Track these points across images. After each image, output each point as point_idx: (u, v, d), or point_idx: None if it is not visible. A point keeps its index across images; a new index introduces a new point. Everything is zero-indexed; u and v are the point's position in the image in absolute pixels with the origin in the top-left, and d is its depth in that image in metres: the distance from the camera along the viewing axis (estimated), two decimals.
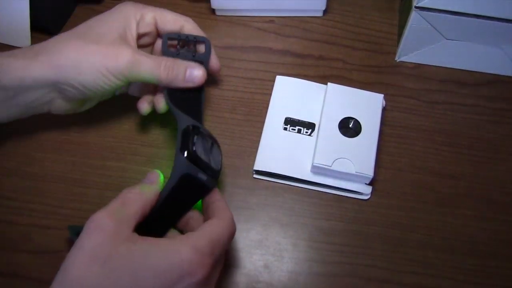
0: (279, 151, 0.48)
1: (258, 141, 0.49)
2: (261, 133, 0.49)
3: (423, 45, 0.53)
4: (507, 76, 0.54)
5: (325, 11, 0.58)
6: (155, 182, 0.38)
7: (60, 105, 0.44)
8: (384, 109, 0.50)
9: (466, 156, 0.49)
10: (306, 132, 0.49)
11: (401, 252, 0.44)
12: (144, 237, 0.34)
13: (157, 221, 0.38)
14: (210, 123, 0.50)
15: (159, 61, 0.42)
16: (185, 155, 0.37)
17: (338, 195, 0.47)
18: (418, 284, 0.43)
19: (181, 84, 0.43)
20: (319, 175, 0.46)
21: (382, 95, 0.49)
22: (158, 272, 0.32)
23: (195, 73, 0.43)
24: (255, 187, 0.47)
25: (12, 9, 0.52)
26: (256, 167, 0.47)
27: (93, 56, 0.41)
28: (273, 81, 0.52)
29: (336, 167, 0.45)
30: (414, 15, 0.50)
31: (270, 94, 0.51)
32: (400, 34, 0.55)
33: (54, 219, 0.45)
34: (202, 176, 0.38)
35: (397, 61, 0.55)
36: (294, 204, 0.46)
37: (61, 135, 0.49)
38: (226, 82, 0.53)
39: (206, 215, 0.38)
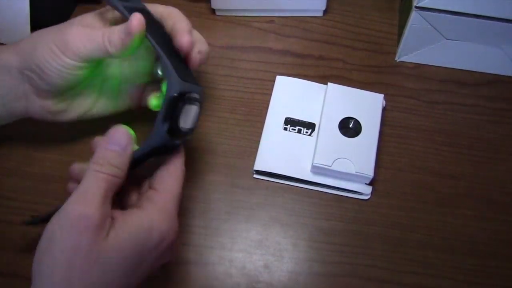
0: (279, 151, 0.48)
1: (258, 141, 0.49)
2: (261, 133, 0.49)
3: (423, 45, 0.53)
4: (507, 76, 0.54)
5: (325, 11, 0.58)
6: (126, 148, 0.35)
7: (35, 103, 0.42)
8: (384, 109, 0.50)
9: (466, 156, 0.49)
10: (306, 132, 0.49)
11: (401, 252, 0.44)
12: (121, 217, 0.34)
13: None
14: (210, 123, 0.50)
15: (99, 33, 0.39)
16: (166, 128, 0.36)
17: (338, 195, 0.47)
18: (418, 284, 0.43)
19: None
20: (319, 175, 0.46)
21: (382, 95, 0.49)
22: (143, 251, 0.33)
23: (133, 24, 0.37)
24: (255, 187, 0.47)
25: (12, 9, 0.52)
26: (256, 167, 0.47)
27: (47, 35, 0.40)
28: (273, 81, 0.52)
29: (336, 167, 0.45)
30: (414, 15, 0.50)
31: (270, 94, 0.51)
32: (400, 34, 0.55)
33: None
34: (177, 142, 0.37)
35: (397, 61, 0.55)
36: (294, 204, 0.46)
37: (61, 135, 0.49)
38: (226, 82, 0.53)
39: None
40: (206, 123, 0.50)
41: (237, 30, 0.57)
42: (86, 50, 0.39)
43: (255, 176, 0.48)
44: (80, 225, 0.31)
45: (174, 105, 0.36)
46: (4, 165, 0.47)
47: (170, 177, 0.37)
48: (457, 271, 0.44)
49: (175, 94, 0.36)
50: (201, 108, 0.38)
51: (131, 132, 0.36)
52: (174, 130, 0.36)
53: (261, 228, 0.45)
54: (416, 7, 0.49)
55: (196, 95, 0.38)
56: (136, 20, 0.37)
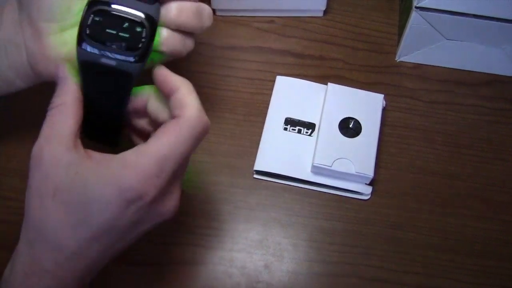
0: (279, 151, 0.48)
1: (258, 141, 0.49)
2: (261, 133, 0.49)
3: (423, 45, 0.53)
4: (507, 76, 0.54)
5: (325, 11, 0.58)
6: (65, 76, 0.34)
7: (36, 46, 0.37)
8: (384, 109, 0.50)
9: (466, 156, 0.49)
10: (306, 132, 0.49)
11: (401, 252, 0.44)
12: (86, 159, 0.31)
13: (96, 122, 0.36)
14: (210, 123, 0.50)
15: None
16: (77, 41, 0.33)
17: (338, 195, 0.47)
18: (418, 284, 0.43)
19: None
20: (319, 175, 0.46)
21: (382, 95, 0.49)
22: (102, 203, 0.30)
23: None
24: (255, 187, 0.47)
25: None
26: (256, 167, 0.47)
27: None
28: (273, 81, 0.52)
29: (336, 167, 0.45)
30: (414, 15, 0.50)
31: (270, 94, 0.51)
32: (400, 34, 0.55)
33: None
34: (108, 61, 0.33)
35: (397, 61, 0.55)
36: (294, 204, 0.46)
37: None
38: (226, 82, 0.53)
39: (170, 110, 0.34)
40: None
41: (237, 30, 0.57)
42: None
43: (255, 176, 0.48)
44: (36, 164, 0.32)
45: (89, 12, 0.32)
46: (4, 165, 0.47)
47: (162, 134, 0.32)
48: (457, 271, 0.44)
49: (90, 1, 0.32)
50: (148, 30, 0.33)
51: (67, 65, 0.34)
52: (84, 38, 0.32)
53: (261, 228, 0.45)
54: (416, 7, 0.49)
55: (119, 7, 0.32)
56: None
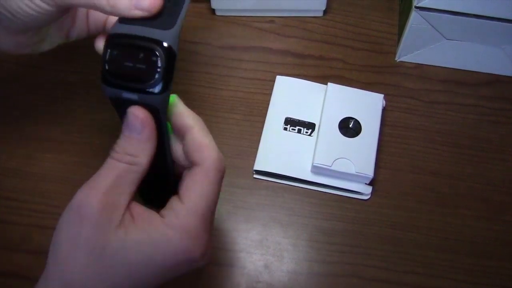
0: (279, 151, 0.48)
1: (258, 141, 0.49)
2: (261, 133, 0.49)
3: (423, 45, 0.53)
4: (507, 76, 0.54)
5: (325, 11, 0.58)
6: (142, 132, 0.31)
7: (8, 39, 0.37)
8: (384, 109, 0.50)
9: (466, 156, 0.49)
10: (306, 132, 0.49)
11: (401, 252, 0.44)
12: (132, 220, 0.30)
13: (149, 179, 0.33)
14: (210, 123, 0.50)
15: None
16: (101, 77, 0.31)
17: (338, 195, 0.47)
18: (418, 284, 0.43)
19: (126, 12, 0.32)
20: (319, 175, 0.46)
21: (382, 95, 0.49)
22: (152, 266, 0.30)
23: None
24: (255, 187, 0.47)
25: None
26: (256, 167, 0.47)
27: None
28: (273, 81, 0.52)
29: (336, 167, 0.45)
30: (414, 15, 0.50)
31: (270, 94, 0.51)
32: (400, 34, 0.55)
33: (54, 219, 0.44)
34: (130, 96, 0.31)
35: (397, 61, 0.55)
36: (294, 204, 0.46)
37: (62, 135, 0.49)
38: (226, 82, 0.53)
39: (186, 155, 0.32)
40: (206, 123, 0.50)
41: (237, 30, 0.57)
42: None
43: (255, 176, 0.48)
44: (80, 213, 0.29)
45: (107, 47, 0.31)
46: (4, 165, 0.47)
47: (195, 186, 0.31)
48: (457, 271, 0.44)
49: (107, 37, 0.31)
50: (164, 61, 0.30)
51: (146, 114, 0.31)
52: (104, 75, 0.31)
53: (261, 228, 0.45)
54: (416, 7, 0.49)
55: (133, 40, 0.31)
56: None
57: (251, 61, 0.55)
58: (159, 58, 0.30)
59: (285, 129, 0.49)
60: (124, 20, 0.32)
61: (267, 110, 0.50)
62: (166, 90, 0.31)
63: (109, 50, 0.31)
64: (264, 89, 0.52)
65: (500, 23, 0.49)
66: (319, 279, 0.43)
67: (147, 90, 0.30)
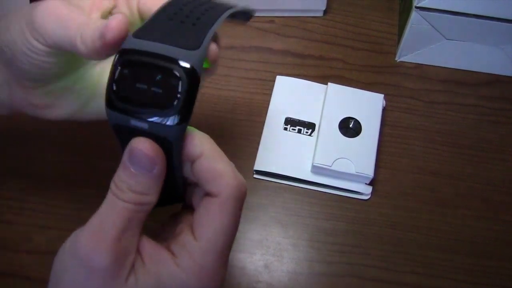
0: (279, 151, 0.48)
1: (258, 141, 0.49)
2: (261, 133, 0.49)
3: (423, 45, 0.53)
4: (507, 76, 0.54)
5: (325, 11, 0.58)
6: (151, 168, 0.26)
7: (17, 94, 0.35)
8: (384, 109, 0.50)
9: (466, 156, 0.49)
10: (306, 132, 0.49)
11: (402, 252, 0.44)
12: (146, 264, 0.27)
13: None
14: (210, 123, 0.50)
15: (76, 20, 0.29)
16: (105, 100, 0.26)
17: (339, 195, 0.47)
18: (418, 284, 0.43)
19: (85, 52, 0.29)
20: (319, 175, 0.46)
21: (383, 95, 0.49)
22: None
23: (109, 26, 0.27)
24: (255, 187, 0.47)
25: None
26: (256, 167, 0.47)
27: (24, 9, 0.31)
28: (273, 81, 0.52)
29: (336, 167, 0.45)
30: (414, 15, 0.50)
31: (270, 94, 0.51)
32: (400, 34, 0.55)
33: (54, 219, 0.45)
34: (139, 124, 0.26)
35: (397, 61, 0.55)
36: (295, 204, 0.46)
37: (62, 135, 0.49)
38: (226, 82, 0.53)
39: (198, 183, 0.28)
40: (206, 123, 0.50)
41: (237, 30, 0.57)
42: (54, 35, 0.29)
43: (255, 176, 0.48)
44: (88, 265, 0.25)
45: (117, 64, 0.26)
46: (4, 165, 0.47)
47: (212, 221, 0.27)
48: (457, 271, 0.44)
49: (118, 52, 0.26)
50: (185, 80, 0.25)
51: (156, 149, 0.26)
52: (110, 97, 0.26)
53: (261, 228, 0.45)
54: (416, 7, 0.49)
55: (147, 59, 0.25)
56: (116, 22, 0.27)
57: (251, 61, 0.55)
58: (180, 82, 0.25)
59: (285, 129, 0.49)
60: (139, 34, 0.27)
61: (267, 110, 0.50)
62: (184, 122, 0.25)
63: (119, 68, 0.26)
64: (264, 89, 0.52)
65: (500, 23, 0.49)
66: (319, 279, 0.43)
67: (162, 119, 0.25)
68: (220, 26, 0.28)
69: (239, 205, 0.28)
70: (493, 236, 0.45)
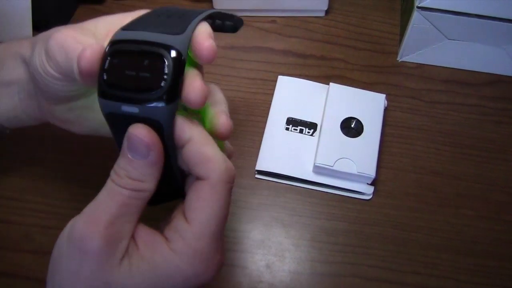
0: (281, 151, 0.48)
1: (260, 141, 0.49)
2: (263, 133, 0.49)
3: (425, 45, 0.53)
4: (508, 76, 0.54)
5: (327, 11, 0.58)
6: (147, 155, 0.27)
7: (44, 107, 0.36)
8: (386, 109, 0.50)
9: (468, 156, 0.49)
10: (308, 132, 0.49)
11: (403, 252, 0.44)
12: (140, 249, 0.28)
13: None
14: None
15: (79, 47, 0.29)
16: (97, 91, 0.28)
17: (340, 195, 0.47)
18: (420, 284, 0.43)
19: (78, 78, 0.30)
20: (321, 175, 0.46)
21: (384, 95, 0.49)
22: None
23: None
24: (257, 187, 0.47)
25: (14, 9, 0.52)
26: (258, 167, 0.47)
27: (45, 34, 0.33)
28: (275, 81, 0.52)
29: (338, 167, 0.45)
30: (416, 15, 0.50)
31: (272, 94, 0.51)
32: (402, 34, 0.55)
33: (54, 219, 0.44)
34: (130, 109, 0.27)
35: (399, 61, 0.55)
36: (296, 204, 0.46)
37: (62, 134, 0.49)
38: (228, 82, 0.53)
39: (188, 168, 0.29)
40: None
41: (239, 30, 0.57)
42: (63, 65, 0.31)
43: (257, 176, 0.47)
44: (82, 248, 0.26)
45: (106, 55, 0.27)
46: (4, 165, 0.47)
47: (203, 204, 0.28)
48: (458, 271, 0.43)
49: (108, 43, 0.28)
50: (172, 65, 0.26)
51: (151, 134, 0.27)
52: (101, 86, 0.27)
53: (263, 228, 0.45)
54: (418, 7, 0.49)
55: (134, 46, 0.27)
56: (88, 51, 0.28)
57: (253, 61, 0.55)
58: (165, 65, 0.26)
59: (287, 129, 0.49)
60: (127, 27, 0.29)
61: (269, 110, 0.50)
62: (172, 102, 0.27)
63: (108, 58, 0.27)
64: (266, 89, 0.52)
65: (502, 23, 0.49)
66: (321, 279, 0.43)
67: (151, 101, 0.26)
68: (203, 18, 0.30)
69: (228, 188, 0.29)
70: (494, 236, 0.45)
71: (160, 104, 0.26)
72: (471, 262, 0.44)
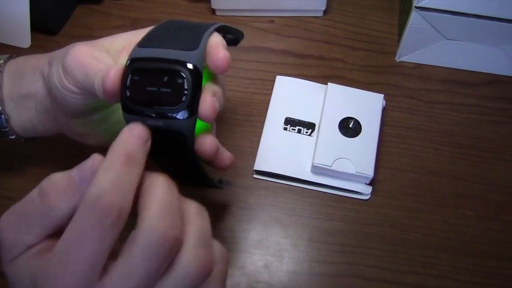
0: (279, 151, 0.48)
1: (258, 141, 0.49)
2: (261, 133, 0.49)
3: (423, 45, 0.53)
4: (507, 76, 0.54)
5: (325, 11, 0.58)
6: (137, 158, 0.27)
7: (61, 120, 0.38)
8: (384, 109, 0.50)
9: (467, 156, 0.49)
10: (306, 132, 0.49)
11: (402, 252, 0.44)
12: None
13: (180, 176, 0.31)
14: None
15: (99, 66, 0.32)
16: (121, 107, 0.30)
17: (338, 195, 0.47)
18: (418, 284, 0.43)
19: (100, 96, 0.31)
20: (319, 175, 0.46)
21: (382, 95, 0.49)
22: None
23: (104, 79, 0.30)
24: (255, 187, 0.47)
25: (12, 9, 0.52)
26: (256, 167, 0.47)
27: (62, 50, 0.35)
28: (273, 81, 0.52)
29: (336, 167, 0.45)
30: (414, 15, 0.50)
31: (270, 94, 0.51)
32: (400, 34, 0.55)
33: None
34: (155, 122, 0.29)
35: (397, 61, 0.55)
36: (294, 204, 0.46)
37: (62, 135, 0.49)
38: (226, 82, 0.53)
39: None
40: None
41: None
42: (81, 80, 0.32)
43: (255, 176, 0.47)
44: None
45: (127, 72, 0.30)
46: (4, 165, 0.47)
47: (147, 204, 0.27)
48: (457, 271, 0.43)
49: (128, 61, 0.30)
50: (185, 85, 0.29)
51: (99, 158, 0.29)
52: (125, 103, 0.29)
53: (261, 228, 0.45)
54: (416, 7, 0.49)
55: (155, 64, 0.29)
56: (112, 72, 0.29)
57: (251, 61, 0.55)
58: (185, 80, 0.29)
59: (285, 129, 0.49)
60: (143, 43, 0.31)
61: (267, 110, 0.50)
62: (193, 115, 0.29)
63: (130, 76, 0.29)
64: (264, 89, 0.52)
65: (500, 23, 0.49)
66: (319, 279, 0.43)
67: (174, 115, 0.29)
68: (213, 31, 0.32)
69: (152, 251, 0.26)
70: (493, 236, 0.45)
71: (183, 117, 0.29)
72: (470, 262, 0.44)
